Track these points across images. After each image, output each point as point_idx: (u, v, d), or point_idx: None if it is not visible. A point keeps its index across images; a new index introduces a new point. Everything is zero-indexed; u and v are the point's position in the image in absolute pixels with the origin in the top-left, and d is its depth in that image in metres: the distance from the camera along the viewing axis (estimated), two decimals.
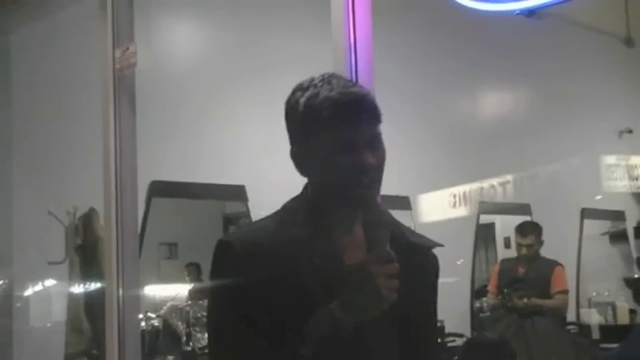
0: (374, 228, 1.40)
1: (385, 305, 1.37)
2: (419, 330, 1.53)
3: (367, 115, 1.47)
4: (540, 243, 5.68)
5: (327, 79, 1.48)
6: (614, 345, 4.63)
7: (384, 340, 1.47)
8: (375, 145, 1.47)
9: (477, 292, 6.82)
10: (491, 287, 5.92)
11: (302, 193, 1.55)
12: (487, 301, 6.06)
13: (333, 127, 1.44)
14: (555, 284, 5.62)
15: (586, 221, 7.79)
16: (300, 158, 1.51)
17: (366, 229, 1.41)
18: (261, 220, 1.55)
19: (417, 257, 1.53)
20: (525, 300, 5.50)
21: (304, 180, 1.56)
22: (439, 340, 5.34)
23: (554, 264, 5.70)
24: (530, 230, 5.68)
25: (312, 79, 1.50)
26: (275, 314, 1.39)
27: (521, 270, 5.67)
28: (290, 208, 1.52)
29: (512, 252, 6.08)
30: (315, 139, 1.46)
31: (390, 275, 1.37)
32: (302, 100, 1.47)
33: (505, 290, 5.62)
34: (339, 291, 1.38)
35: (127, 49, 3.48)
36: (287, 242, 1.43)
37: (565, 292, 5.71)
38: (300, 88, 1.50)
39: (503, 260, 6.16)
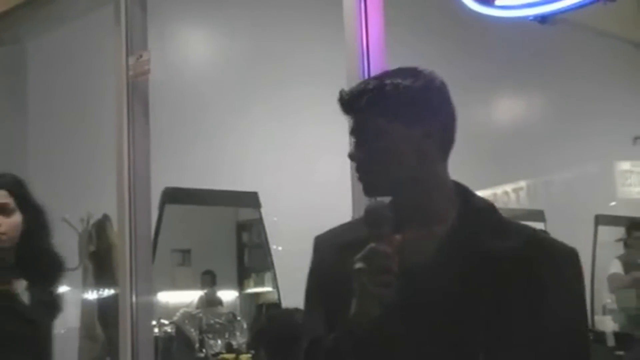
0: (371, 225, 1.39)
1: (379, 304, 1.33)
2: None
3: (367, 104, 1.46)
4: None
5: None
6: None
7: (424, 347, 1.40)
8: (369, 137, 1.46)
9: None
10: None
11: None
12: None
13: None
14: None
15: (600, 227, 7.73)
16: None
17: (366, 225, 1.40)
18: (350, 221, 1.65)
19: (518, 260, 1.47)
20: None
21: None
22: None
23: None
24: None
25: None
26: (329, 301, 1.47)
27: None
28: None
29: None
30: None
31: (378, 271, 1.33)
32: None
33: None
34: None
35: (141, 56, 3.49)
36: (342, 243, 1.48)
37: None
38: None
39: None
